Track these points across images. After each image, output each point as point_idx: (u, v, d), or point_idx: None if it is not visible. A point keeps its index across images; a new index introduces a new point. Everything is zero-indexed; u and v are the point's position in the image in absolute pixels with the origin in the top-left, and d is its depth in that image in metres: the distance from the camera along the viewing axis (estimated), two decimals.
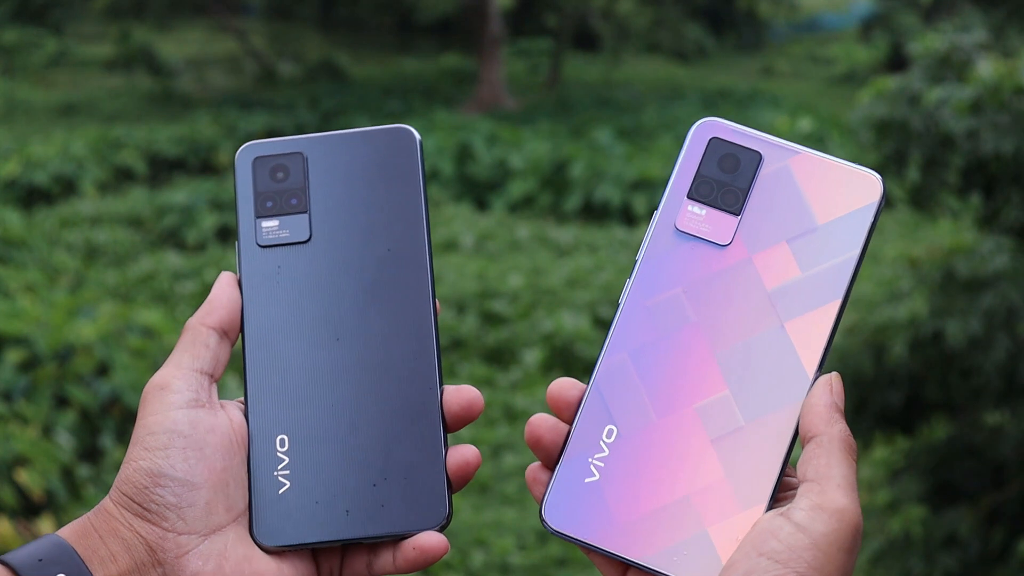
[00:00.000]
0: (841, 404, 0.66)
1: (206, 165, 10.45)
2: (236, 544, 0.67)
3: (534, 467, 0.69)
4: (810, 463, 0.63)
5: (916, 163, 3.38)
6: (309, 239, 0.73)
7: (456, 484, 0.70)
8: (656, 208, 0.71)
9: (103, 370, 4.45)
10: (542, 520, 0.67)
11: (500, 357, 6.34)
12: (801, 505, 0.61)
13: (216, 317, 0.71)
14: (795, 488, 0.64)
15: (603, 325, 6.63)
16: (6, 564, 0.63)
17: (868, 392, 3.53)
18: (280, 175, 0.75)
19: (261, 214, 0.74)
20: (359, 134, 0.75)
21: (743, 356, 0.67)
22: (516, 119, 11.70)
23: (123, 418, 4.33)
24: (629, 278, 0.70)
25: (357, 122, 11.36)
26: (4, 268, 6.13)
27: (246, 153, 0.77)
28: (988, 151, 3.12)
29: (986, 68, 3.21)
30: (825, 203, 0.69)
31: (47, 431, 4.08)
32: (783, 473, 0.66)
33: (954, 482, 3.55)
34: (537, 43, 16.10)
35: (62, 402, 4.27)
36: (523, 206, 9.43)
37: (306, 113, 11.91)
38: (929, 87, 3.34)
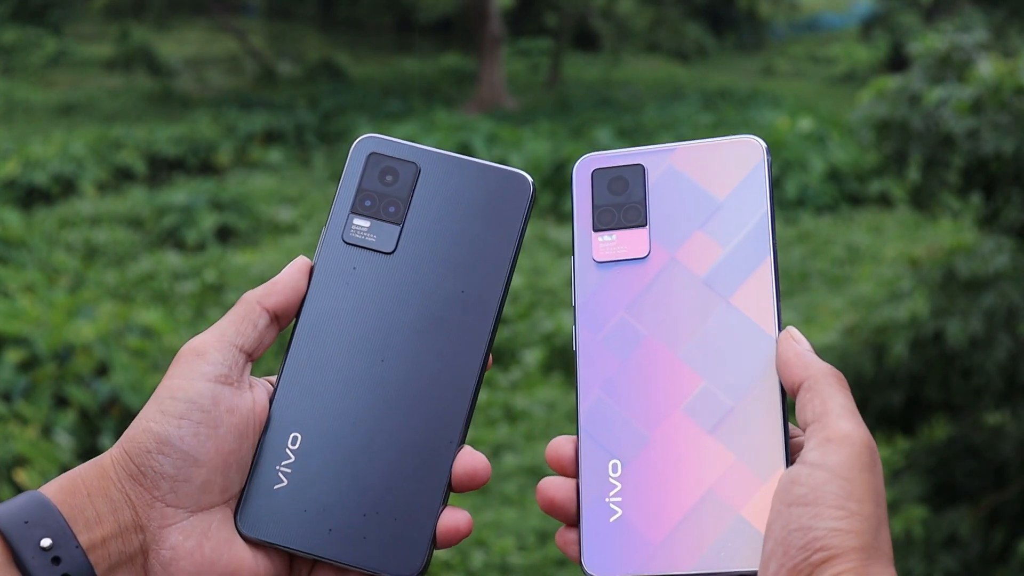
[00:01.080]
0: (810, 348, 0.67)
1: (206, 165, 10.45)
2: (220, 526, 0.67)
3: (561, 531, 0.69)
4: (806, 407, 0.63)
5: (916, 163, 3.38)
6: (393, 252, 0.72)
7: (441, 543, 0.69)
8: (571, 254, 0.74)
9: (103, 370, 4.44)
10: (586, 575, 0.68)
11: (500, 357, 6.34)
12: (810, 446, 0.61)
13: (274, 300, 0.71)
14: (800, 444, 0.64)
15: None
16: None
17: (868, 392, 3.53)
18: (389, 178, 0.74)
19: (357, 211, 0.73)
20: (477, 165, 0.74)
21: (705, 345, 0.69)
22: (516, 119, 11.70)
23: (122, 418, 4.33)
24: (573, 324, 0.72)
25: (357, 122, 11.36)
26: (4, 268, 6.13)
27: (364, 145, 0.75)
28: (988, 151, 3.11)
29: (986, 68, 3.21)
30: (717, 181, 0.72)
31: (46, 431, 4.08)
32: (788, 434, 0.67)
33: (955, 482, 3.55)
34: (537, 43, 16.09)
35: (61, 402, 4.27)
36: None
37: (306, 113, 11.91)
38: (929, 87, 3.34)
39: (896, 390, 3.49)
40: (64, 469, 3.94)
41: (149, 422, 0.66)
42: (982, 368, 3.19)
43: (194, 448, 0.66)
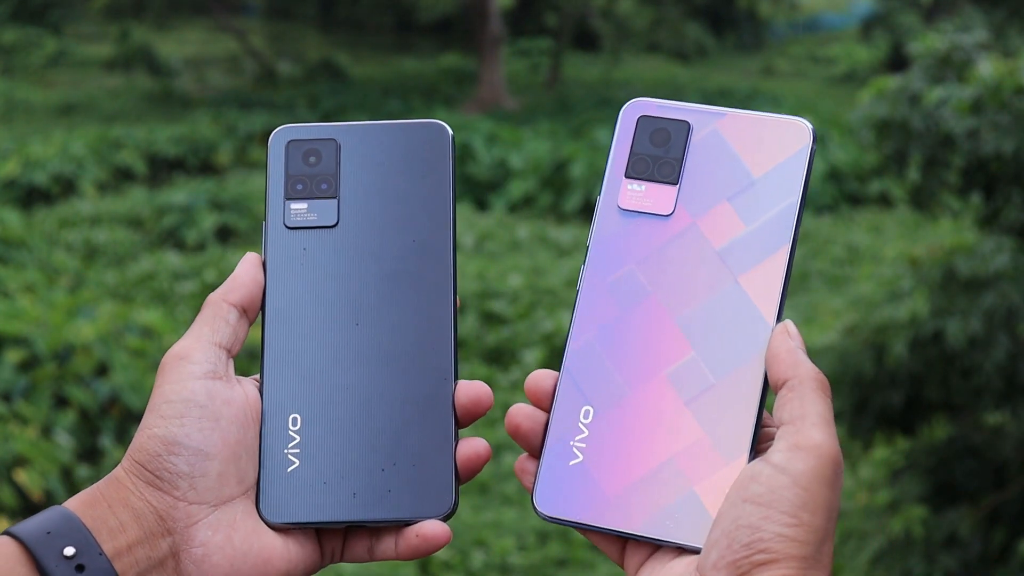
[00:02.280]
0: (802, 346, 0.66)
1: (206, 165, 10.45)
2: (245, 517, 0.67)
3: (522, 458, 0.70)
4: (784, 407, 0.64)
5: (916, 163, 3.38)
6: (336, 224, 0.73)
7: (464, 475, 0.70)
8: (598, 194, 0.73)
9: (102, 370, 4.44)
10: (535, 509, 0.68)
11: (500, 357, 6.34)
12: (779, 447, 0.62)
13: (237, 295, 0.71)
14: (772, 435, 0.64)
15: None
16: (15, 537, 0.63)
17: (868, 392, 3.52)
18: (312, 159, 0.75)
19: (291, 196, 0.74)
20: (393, 126, 0.76)
21: (703, 317, 0.69)
22: (516, 119, 11.70)
23: (122, 418, 4.33)
24: (583, 264, 0.72)
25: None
26: (4, 268, 6.13)
27: (280, 136, 0.76)
28: (988, 151, 3.11)
29: (986, 68, 3.21)
30: (758, 157, 0.71)
31: (46, 431, 4.08)
32: (760, 422, 0.67)
33: (955, 482, 3.55)
34: (537, 43, 16.09)
35: (61, 402, 4.27)
36: (523, 206, 9.43)
37: (306, 113, 11.91)
38: (929, 87, 3.34)
39: (896, 390, 3.49)
40: (64, 469, 3.95)
41: (152, 428, 0.66)
42: (982, 368, 3.19)
43: (201, 442, 0.66)
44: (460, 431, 0.71)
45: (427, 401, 0.71)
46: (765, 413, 0.67)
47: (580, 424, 0.69)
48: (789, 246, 0.69)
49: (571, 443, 0.68)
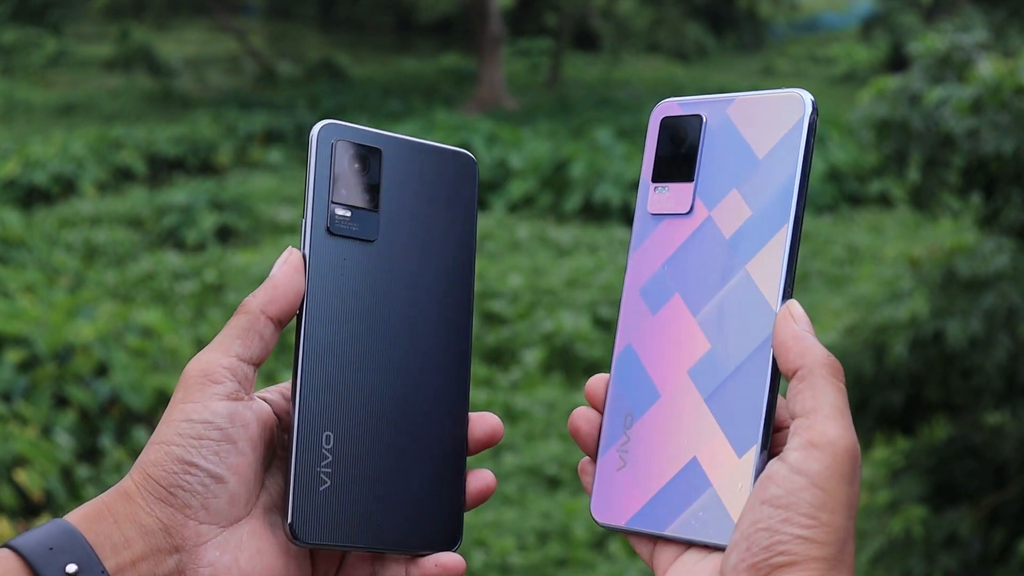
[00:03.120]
0: (809, 328, 0.65)
1: (206, 165, 10.45)
2: (251, 538, 0.68)
3: (584, 461, 0.73)
4: (797, 399, 0.63)
5: (916, 163, 3.38)
6: (376, 240, 0.74)
7: (472, 505, 0.73)
8: (634, 201, 0.76)
9: (102, 370, 4.44)
10: (592, 517, 0.72)
11: (500, 357, 6.34)
12: (793, 445, 0.61)
13: (277, 307, 0.70)
14: (788, 425, 0.64)
15: (603, 325, 6.63)
16: (15, 550, 0.62)
17: (868, 392, 3.52)
18: (358, 166, 0.75)
19: (336, 200, 0.74)
20: (430, 147, 0.77)
21: (718, 310, 0.69)
22: (516, 119, 11.70)
23: (122, 418, 4.33)
24: (626, 267, 0.74)
25: (357, 121, 11.31)
26: (4, 268, 6.13)
27: (327, 132, 0.74)
28: (989, 151, 3.11)
29: (986, 68, 3.20)
30: (761, 136, 0.70)
31: (46, 431, 4.08)
32: (771, 410, 0.66)
33: (955, 482, 3.55)
34: (537, 43, 16.09)
35: (61, 402, 4.27)
36: (523, 206, 9.43)
37: (306, 113, 11.91)
38: (930, 87, 3.34)
39: (896, 390, 3.49)
40: (64, 469, 3.94)
41: (170, 446, 0.66)
42: (982, 368, 3.19)
43: (217, 465, 0.66)
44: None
45: (445, 431, 0.73)
46: (780, 400, 0.67)
47: (624, 431, 0.71)
48: (788, 225, 0.68)
49: (618, 450, 0.71)
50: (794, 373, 0.64)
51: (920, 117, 3.30)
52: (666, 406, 0.70)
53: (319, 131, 0.74)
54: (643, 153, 0.75)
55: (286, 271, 0.70)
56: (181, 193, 8.73)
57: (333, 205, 0.73)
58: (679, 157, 0.73)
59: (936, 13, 13.67)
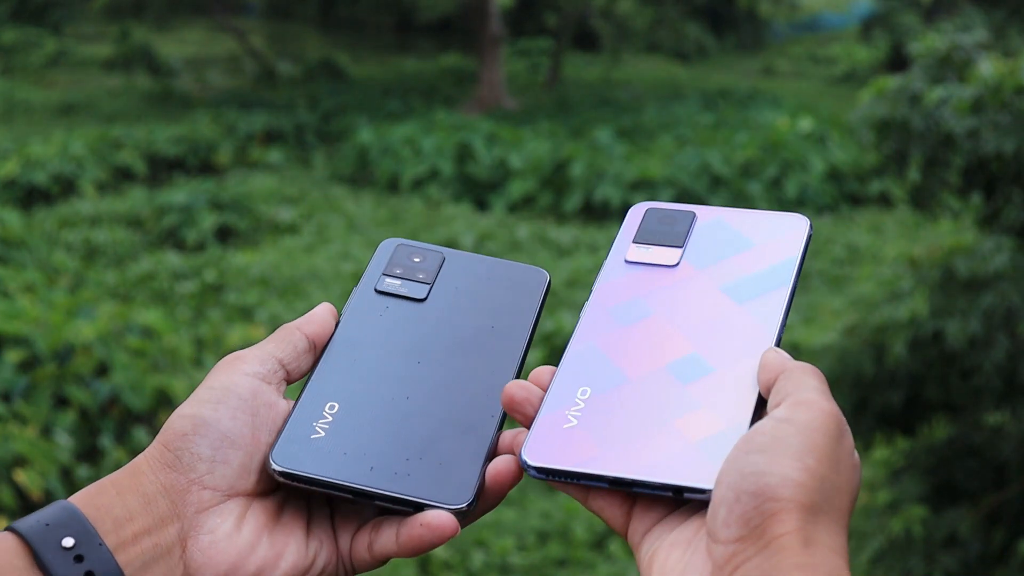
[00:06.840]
0: (790, 358, 0.67)
1: (205, 165, 10.45)
2: (256, 512, 0.67)
3: (515, 431, 0.70)
4: (779, 392, 0.63)
5: (916, 163, 3.38)
6: (424, 300, 0.77)
7: (492, 487, 0.68)
8: (598, 273, 0.77)
9: (102, 370, 4.44)
10: (523, 464, 0.65)
11: None
12: (779, 409, 0.61)
13: (311, 328, 0.73)
14: None
15: None
16: (14, 531, 0.63)
17: (868, 392, 3.53)
18: (416, 259, 0.79)
19: (388, 274, 0.78)
20: (497, 261, 0.80)
21: (707, 329, 0.71)
22: (516, 119, 11.70)
23: (122, 418, 4.33)
24: (587, 300, 0.74)
25: (357, 122, 11.35)
26: (4, 268, 6.12)
27: (390, 242, 0.80)
28: (989, 151, 3.12)
29: (987, 67, 3.21)
30: (759, 233, 0.76)
31: (46, 431, 4.08)
32: (760, 404, 0.66)
33: (954, 482, 3.55)
34: (537, 43, 16.09)
35: (61, 402, 4.27)
36: (523, 206, 9.43)
37: (306, 113, 11.90)
38: (930, 87, 3.34)
39: (896, 390, 3.49)
40: (64, 469, 3.94)
41: (184, 409, 0.67)
42: (981, 368, 3.19)
43: (231, 429, 0.66)
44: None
45: (469, 427, 0.70)
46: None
47: (577, 399, 0.67)
48: (789, 290, 0.72)
49: (566, 411, 0.67)
50: (775, 379, 0.64)
51: (920, 117, 3.30)
52: (636, 386, 0.68)
53: (383, 243, 0.80)
54: (618, 233, 0.78)
55: (319, 309, 0.75)
56: (181, 193, 8.72)
57: (384, 276, 0.77)
58: (668, 231, 0.77)
59: (936, 13, 13.68)
